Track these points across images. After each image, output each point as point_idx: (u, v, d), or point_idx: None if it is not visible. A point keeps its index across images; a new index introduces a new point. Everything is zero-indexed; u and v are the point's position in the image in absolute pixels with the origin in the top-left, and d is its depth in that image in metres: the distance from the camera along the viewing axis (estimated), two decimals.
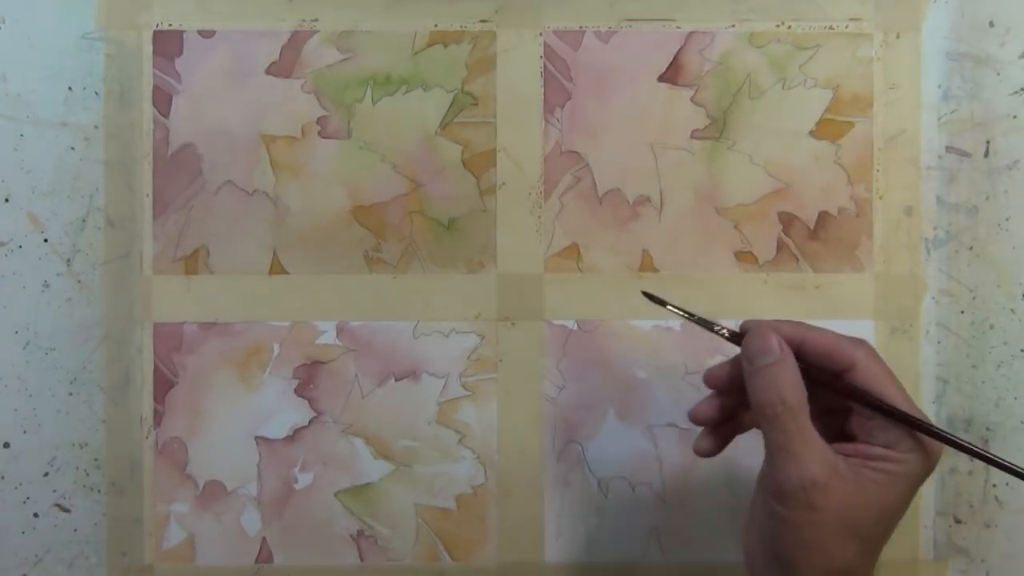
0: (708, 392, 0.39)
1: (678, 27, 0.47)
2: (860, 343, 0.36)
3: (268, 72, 0.47)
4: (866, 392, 0.35)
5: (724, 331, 0.38)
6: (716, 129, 0.47)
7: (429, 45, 0.47)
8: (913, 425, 0.34)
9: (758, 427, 0.36)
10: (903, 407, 0.35)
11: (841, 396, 0.36)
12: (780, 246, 0.47)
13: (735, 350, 0.38)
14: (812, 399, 0.35)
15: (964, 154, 0.47)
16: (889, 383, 0.35)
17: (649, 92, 0.47)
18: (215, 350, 0.46)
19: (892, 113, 0.47)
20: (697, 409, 0.39)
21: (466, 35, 0.47)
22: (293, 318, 0.47)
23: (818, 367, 0.36)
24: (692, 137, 0.47)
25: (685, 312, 0.38)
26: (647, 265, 0.47)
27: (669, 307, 0.39)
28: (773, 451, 0.35)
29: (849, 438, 0.36)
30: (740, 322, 0.37)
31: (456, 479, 0.47)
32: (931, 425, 0.34)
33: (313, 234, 0.47)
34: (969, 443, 0.34)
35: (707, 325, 0.38)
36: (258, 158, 0.47)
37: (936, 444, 0.34)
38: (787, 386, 0.35)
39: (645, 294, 0.40)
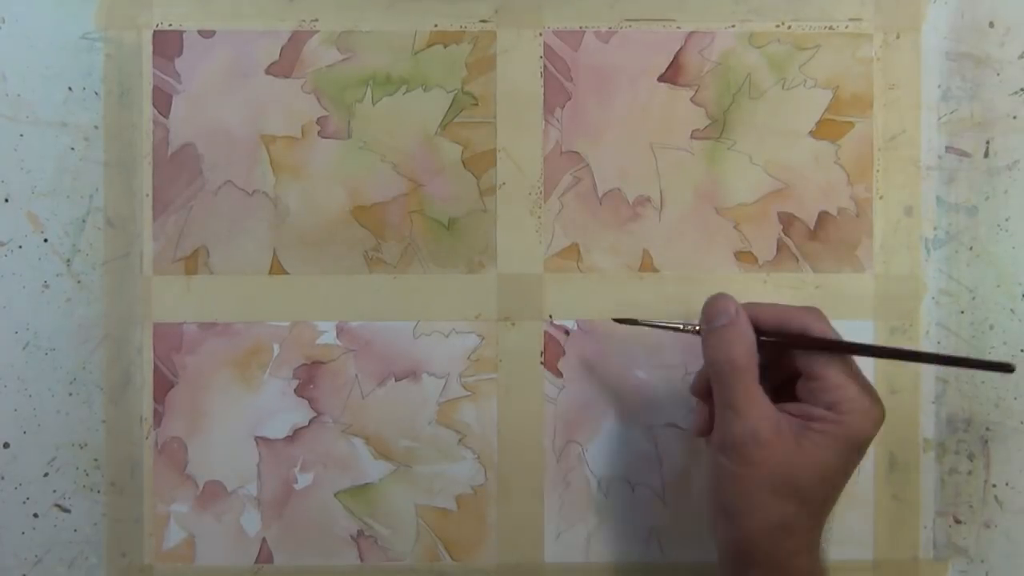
0: (696, 401, 0.42)
1: (678, 27, 0.47)
2: (810, 310, 0.39)
3: (268, 72, 0.47)
4: (814, 338, 0.37)
5: (691, 327, 0.40)
6: (716, 129, 0.47)
7: (429, 45, 0.47)
8: (856, 351, 0.37)
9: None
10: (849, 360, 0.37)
11: (792, 347, 0.38)
12: (780, 246, 0.47)
13: None
14: (764, 371, 0.38)
15: (964, 154, 0.47)
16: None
17: (649, 92, 0.47)
18: (215, 350, 0.46)
19: (892, 113, 0.47)
20: (694, 422, 0.42)
21: (466, 35, 0.47)
22: (293, 318, 0.47)
23: (773, 331, 0.38)
24: (692, 137, 0.47)
25: (655, 323, 0.42)
26: (647, 265, 0.47)
27: (641, 322, 0.42)
28: (721, 407, 0.37)
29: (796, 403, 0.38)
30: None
31: (456, 479, 0.47)
32: (875, 347, 0.37)
33: (313, 234, 0.47)
34: (907, 348, 0.37)
35: (675, 328, 0.41)
36: (258, 158, 0.47)
37: (876, 406, 0.36)
38: (737, 345, 0.37)
39: (615, 320, 0.44)
